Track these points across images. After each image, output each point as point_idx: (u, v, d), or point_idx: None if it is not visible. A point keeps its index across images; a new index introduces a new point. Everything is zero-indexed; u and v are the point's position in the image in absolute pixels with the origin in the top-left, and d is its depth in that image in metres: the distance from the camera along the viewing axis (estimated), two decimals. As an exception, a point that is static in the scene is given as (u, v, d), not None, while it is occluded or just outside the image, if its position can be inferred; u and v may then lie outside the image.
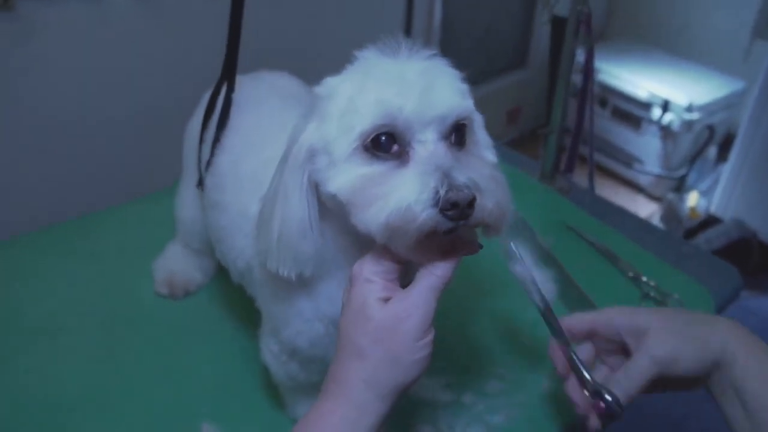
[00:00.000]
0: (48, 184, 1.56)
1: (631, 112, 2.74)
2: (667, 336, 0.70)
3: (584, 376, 0.73)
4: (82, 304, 1.09)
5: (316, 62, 1.83)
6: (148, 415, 0.92)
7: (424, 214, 0.55)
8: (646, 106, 2.66)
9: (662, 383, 0.70)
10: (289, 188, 0.64)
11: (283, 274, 0.66)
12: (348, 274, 0.64)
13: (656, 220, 2.65)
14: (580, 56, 1.33)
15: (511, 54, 2.95)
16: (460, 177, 0.56)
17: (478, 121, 0.67)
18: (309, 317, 0.74)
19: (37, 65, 1.45)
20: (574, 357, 0.74)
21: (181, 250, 1.13)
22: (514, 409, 0.92)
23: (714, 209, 2.57)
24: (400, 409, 0.90)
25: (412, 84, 0.59)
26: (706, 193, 2.68)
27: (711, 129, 2.67)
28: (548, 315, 0.75)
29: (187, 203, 1.06)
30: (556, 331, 0.76)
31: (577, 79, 1.36)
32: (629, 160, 2.84)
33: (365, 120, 0.58)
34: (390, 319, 0.59)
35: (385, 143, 0.59)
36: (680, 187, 2.78)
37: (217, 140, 0.91)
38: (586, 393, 0.73)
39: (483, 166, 0.63)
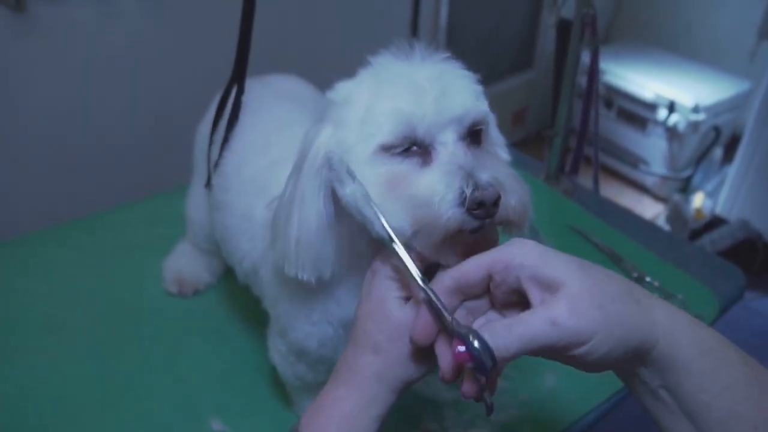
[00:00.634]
0: (57, 183, 1.58)
1: (636, 113, 2.75)
2: (584, 305, 0.52)
3: (443, 315, 0.55)
4: (90, 301, 1.10)
5: (323, 63, 1.85)
6: (156, 412, 0.93)
7: (450, 213, 0.56)
8: (652, 107, 2.66)
9: (557, 353, 0.53)
10: (306, 193, 0.64)
11: (302, 279, 0.67)
12: (359, 278, 0.66)
13: (662, 221, 2.65)
14: (586, 58, 1.34)
15: (516, 55, 2.95)
16: (484, 176, 0.57)
17: (491, 121, 0.68)
18: (318, 320, 0.75)
19: (48, 65, 1.47)
20: (429, 292, 0.56)
21: (190, 250, 1.15)
22: (518, 407, 0.93)
23: (719, 210, 2.57)
24: (407, 407, 0.92)
25: (428, 90, 0.60)
26: (711, 194, 2.68)
27: (717, 130, 2.67)
28: (395, 247, 0.59)
29: (196, 204, 1.08)
30: (409, 270, 0.58)
31: (582, 80, 1.37)
32: (635, 161, 2.85)
33: (384, 129, 0.59)
34: (408, 320, 0.60)
35: (405, 147, 0.60)
36: (686, 188, 2.78)
37: (225, 141, 0.93)
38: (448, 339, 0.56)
39: (501, 165, 0.64)
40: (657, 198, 2.85)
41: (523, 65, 2.99)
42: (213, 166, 0.95)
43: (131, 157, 1.68)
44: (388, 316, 0.61)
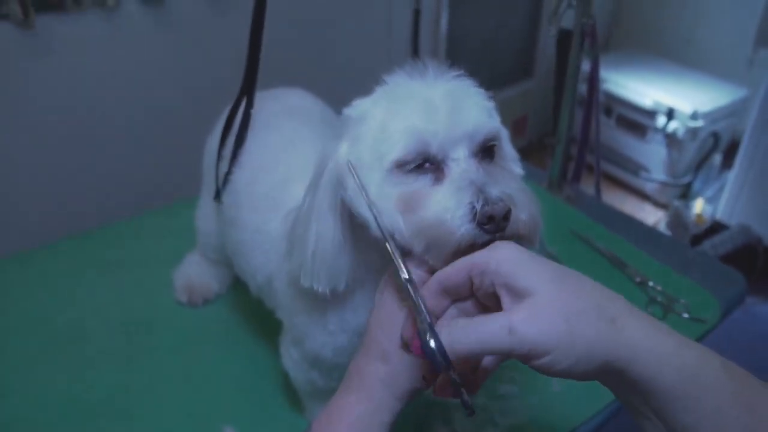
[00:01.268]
0: (69, 195, 1.59)
1: (636, 121, 2.77)
2: (547, 317, 0.50)
3: (418, 306, 0.56)
4: (105, 311, 1.12)
5: (326, 74, 1.87)
6: (169, 418, 0.95)
7: (462, 229, 0.57)
8: (651, 114, 2.68)
9: (519, 360, 0.52)
10: (323, 207, 0.66)
11: (317, 290, 0.68)
12: (374, 287, 0.67)
13: (663, 227, 2.67)
14: (586, 66, 1.36)
15: (517, 64, 2.98)
16: (494, 191, 0.58)
17: (504, 136, 0.69)
18: (334, 329, 0.76)
19: (56, 80, 1.48)
20: (411, 291, 0.58)
21: (200, 260, 1.17)
22: (526, 411, 0.95)
23: (720, 215, 2.58)
24: (417, 411, 0.93)
25: (440, 107, 0.61)
26: (711, 200, 2.70)
27: (716, 136, 2.69)
28: (390, 247, 0.60)
29: (205, 215, 1.10)
30: (397, 264, 0.59)
31: (582, 88, 1.39)
32: (635, 168, 2.87)
33: (398, 147, 0.61)
34: None
35: (418, 164, 0.61)
36: (686, 194, 2.80)
37: (234, 157, 0.94)
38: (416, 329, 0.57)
39: (512, 179, 0.65)
40: (658, 204, 2.87)
41: (523, 74, 3.01)
42: (222, 182, 0.96)
43: (141, 169, 1.70)
44: (398, 326, 0.62)
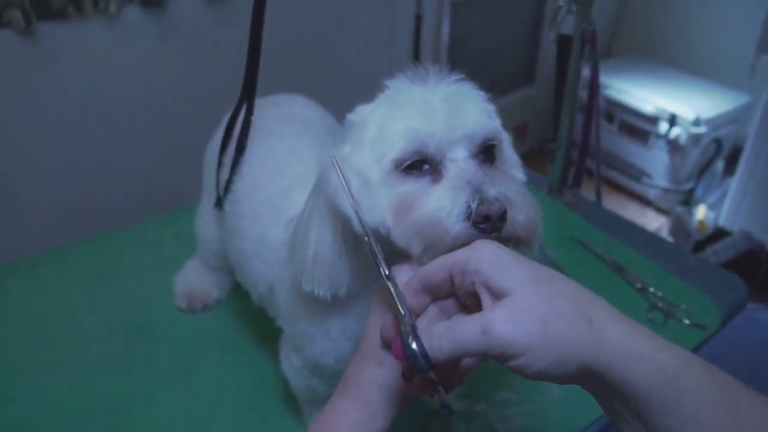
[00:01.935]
0: (68, 202, 1.60)
1: (638, 127, 2.77)
2: (523, 318, 0.50)
3: (398, 309, 0.56)
4: (105, 317, 1.12)
5: (327, 81, 1.88)
6: (169, 424, 0.95)
7: (457, 227, 0.57)
8: (653, 120, 2.68)
9: (496, 361, 0.51)
10: (323, 212, 0.66)
11: (318, 295, 0.68)
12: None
13: (665, 234, 2.66)
14: (586, 72, 1.36)
15: (518, 71, 2.98)
16: (491, 191, 0.57)
17: (506, 140, 0.69)
18: (336, 336, 0.76)
19: (58, 87, 1.49)
20: (391, 289, 0.57)
21: (199, 266, 1.17)
22: (525, 418, 0.94)
23: (722, 222, 2.58)
24: (416, 417, 0.93)
25: (438, 109, 0.61)
26: (714, 206, 2.70)
27: (718, 142, 2.69)
28: (367, 240, 0.60)
29: (205, 222, 1.10)
30: (377, 262, 0.59)
31: (583, 94, 1.39)
32: (637, 174, 2.87)
33: (396, 147, 0.61)
34: None
35: (417, 164, 0.61)
36: (688, 200, 2.80)
37: (235, 164, 0.94)
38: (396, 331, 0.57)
39: (512, 183, 0.65)
40: (660, 210, 2.86)
41: (524, 81, 3.02)
42: (224, 191, 0.96)
43: (142, 175, 1.70)
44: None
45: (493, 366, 1.03)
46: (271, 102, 1.04)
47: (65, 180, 1.58)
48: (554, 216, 1.39)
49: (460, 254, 0.55)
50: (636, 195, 2.93)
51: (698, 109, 2.59)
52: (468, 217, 0.57)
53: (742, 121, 2.74)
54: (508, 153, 0.70)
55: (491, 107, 0.66)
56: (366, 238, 0.59)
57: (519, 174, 0.70)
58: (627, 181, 2.92)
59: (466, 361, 0.61)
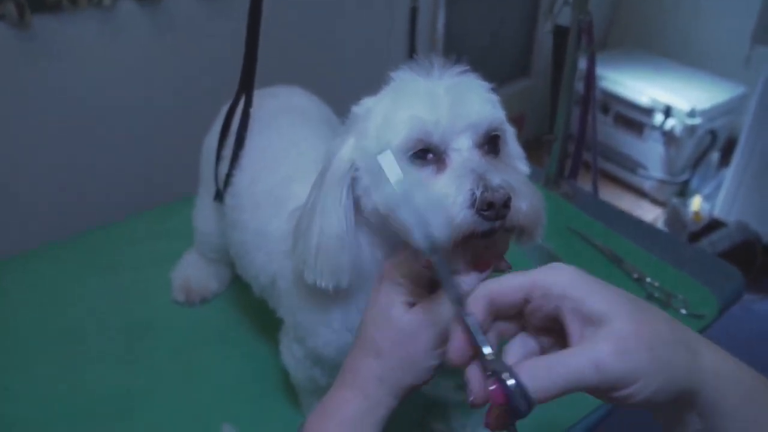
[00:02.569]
0: (64, 196, 1.59)
1: (633, 118, 2.77)
2: (631, 347, 0.48)
3: (479, 347, 0.50)
4: (102, 312, 1.12)
5: (323, 73, 1.87)
6: (169, 417, 0.95)
7: (462, 214, 0.57)
8: (649, 111, 2.68)
9: (597, 394, 0.49)
10: (328, 202, 0.66)
11: (320, 286, 0.68)
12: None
13: (661, 225, 2.67)
14: (582, 64, 1.36)
15: (514, 62, 2.98)
16: (495, 179, 0.57)
17: (510, 133, 0.69)
18: (338, 328, 0.76)
19: (52, 80, 1.48)
20: (466, 320, 0.51)
21: (197, 259, 1.17)
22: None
23: (717, 213, 2.58)
24: (415, 408, 0.93)
25: (442, 99, 0.61)
26: (709, 197, 2.70)
27: (713, 134, 2.70)
28: (437, 261, 0.53)
29: (203, 215, 1.09)
30: (448, 285, 0.53)
31: (579, 86, 1.39)
32: (633, 165, 2.87)
33: (400, 135, 0.61)
34: (412, 326, 0.61)
35: (421, 153, 0.61)
36: (684, 191, 2.80)
37: (235, 157, 0.94)
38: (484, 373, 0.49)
39: (515, 174, 0.64)
40: (655, 202, 2.87)
41: (520, 73, 3.01)
42: (223, 182, 0.96)
43: (138, 169, 1.69)
44: (392, 321, 0.62)
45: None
46: (268, 93, 1.03)
47: (61, 174, 1.58)
48: (551, 207, 1.38)
49: (539, 276, 0.52)
50: (631, 186, 2.94)
51: (693, 101, 2.59)
52: (472, 204, 0.57)
53: (737, 112, 2.74)
54: (513, 145, 0.70)
55: (495, 98, 0.66)
56: (432, 257, 0.53)
57: (523, 167, 0.70)
58: (622, 172, 2.92)
59: None
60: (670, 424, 0.54)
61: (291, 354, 0.86)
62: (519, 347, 0.54)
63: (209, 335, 1.10)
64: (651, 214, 2.80)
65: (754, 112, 2.40)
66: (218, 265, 1.15)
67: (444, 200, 0.58)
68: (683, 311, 1.09)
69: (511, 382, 0.46)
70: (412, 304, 0.62)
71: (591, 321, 0.49)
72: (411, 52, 2.27)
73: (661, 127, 2.66)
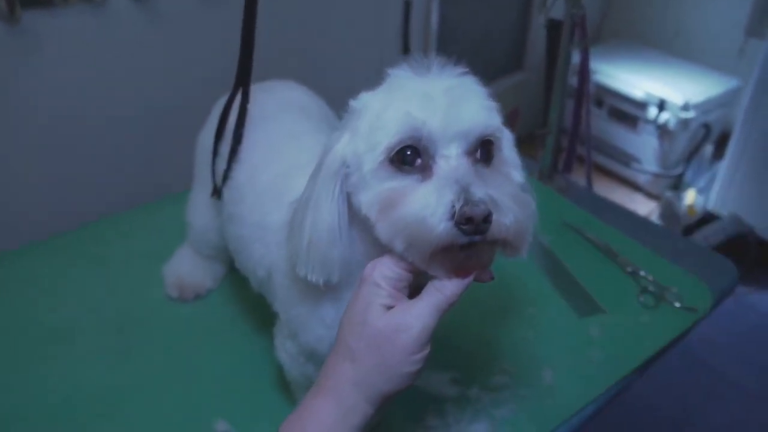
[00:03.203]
0: (58, 192, 1.58)
1: (627, 112, 2.77)
2: None
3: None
4: (95, 309, 1.11)
5: (316, 67, 1.87)
6: (161, 415, 0.94)
7: (441, 226, 0.56)
8: (642, 105, 2.68)
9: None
10: (321, 196, 0.66)
11: (311, 280, 0.68)
12: None
13: (655, 218, 2.68)
14: (576, 58, 1.36)
15: (508, 57, 2.97)
16: (478, 192, 0.56)
17: (507, 139, 0.68)
18: (331, 323, 0.75)
19: (43, 76, 1.47)
20: None
21: (191, 255, 1.16)
22: (519, 402, 0.95)
23: (711, 206, 2.59)
24: (409, 403, 0.93)
25: (437, 100, 0.60)
26: (703, 191, 2.71)
27: (707, 127, 2.70)
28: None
29: (199, 211, 1.09)
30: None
31: (573, 80, 1.39)
32: (627, 159, 2.87)
33: (390, 134, 0.60)
34: (388, 329, 0.60)
35: (410, 157, 0.60)
36: (677, 185, 2.80)
37: (233, 152, 0.94)
38: None
39: (507, 184, 0.63)
40: (649, 195, 2.87)
41: (514, 67, 3.01)
42: (221, 178, 0.96)
43: (130, 164, 1.68)
44: (367, 323, 0.61)
45: (485, 350, 1.03)
46: (264, 88, 1.03)
47: (51, 169, 1.57)
48: (545, 201, 1.39)
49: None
50: (625, 180, 2.94)
51: (687, 94, 2.59)
52: (452, 217, 0.56)
53: (730, 105, 2.75)
54: (508, 153, 0.69)
55: (492, 104, 0.65)
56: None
57: (517, 175, 0.68)
58: (616, 166, 2.93)
59: None
60: None
61: (285, 350, 0.85)
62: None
63: (203, 331, 1.09)
64: (645, 207, 2.80)
65: (747, 104, 2.40)
66: (212, 261, 1.15)
67: (423, 211, 0.57)
68: (677, 304, 1.10)
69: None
70: (389, 307, 0.62)
71: None
72: (405, 46, 2.26)
73: (655, 121, 2.66)
